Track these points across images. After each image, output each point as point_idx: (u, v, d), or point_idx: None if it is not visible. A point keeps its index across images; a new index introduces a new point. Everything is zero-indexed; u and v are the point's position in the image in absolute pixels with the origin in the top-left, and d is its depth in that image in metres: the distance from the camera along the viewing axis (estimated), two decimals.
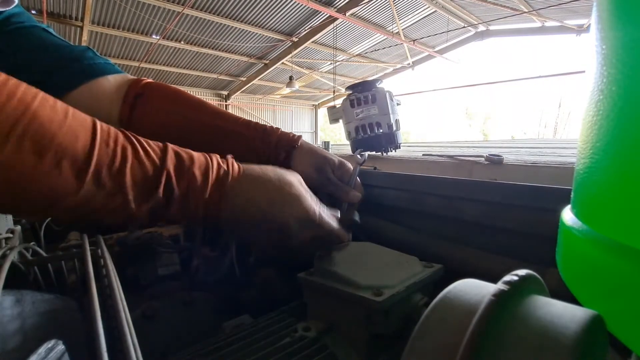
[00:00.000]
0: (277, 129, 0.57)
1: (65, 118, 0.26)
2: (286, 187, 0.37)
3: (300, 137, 0.58)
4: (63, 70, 0.50)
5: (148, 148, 0.31)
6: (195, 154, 0.34)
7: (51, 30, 0.53)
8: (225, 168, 0.35)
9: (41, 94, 0.26)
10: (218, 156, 0.36)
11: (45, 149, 0.25)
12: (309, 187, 0.41)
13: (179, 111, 0.56)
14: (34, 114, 0.25)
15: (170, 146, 0.33)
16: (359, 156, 0.54)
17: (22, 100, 0.24)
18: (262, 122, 0.59)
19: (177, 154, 0.33)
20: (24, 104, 0.24)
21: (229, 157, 0.37)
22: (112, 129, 0.30)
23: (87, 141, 0.27)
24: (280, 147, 0.55)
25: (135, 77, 0.58)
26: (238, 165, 0.37)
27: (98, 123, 0.29)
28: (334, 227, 0.40)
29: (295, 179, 0.39)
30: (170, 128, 0.55)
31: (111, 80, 0.54)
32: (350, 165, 0.55)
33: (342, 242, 0.42)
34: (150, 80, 0.58)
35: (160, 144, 0.33)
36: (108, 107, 0.53)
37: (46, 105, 0.26)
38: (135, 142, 0.30)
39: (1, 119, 0.23)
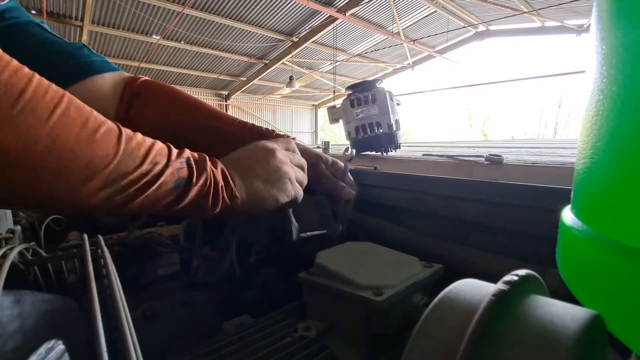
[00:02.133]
0: (273, 130, 0.58)
1: (94, 132, 0.29)
2: (269, 143, 0.45)
3: (294, 138, 0.59)
4: (58, 67, 0.49)
5: (177, 165, 0.35)
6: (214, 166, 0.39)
7: (46, 26, 0.52)
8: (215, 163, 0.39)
9: (67, 93, 0.29)
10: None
11: (87, 118, 0.28)
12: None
13: (175, 111, 0.56)
14: (70, 98, 0.28)
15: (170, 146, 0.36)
16: (346, 153, 0.57)
17: (57, 90, 0.27)
18: (262, 122, 0.59)
19: (197, 162, 0.37)
20: (59, 92, 0.27)
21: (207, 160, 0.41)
22: (133, 139, 0.33)
23: (111, 159, 0.30)
24: None
25: (131, 75, 0.58)
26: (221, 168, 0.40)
27: (122, 143, 0.31)
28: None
29: (268, 144, 0.45)
30: (166, 127, 0.55)
31: (107, 78, 0.54)
32: (342, 163, 0.56)
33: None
34: (146, 78, 0.58)
35: (184, 161, 0.36)
36: (104, 106, 0.53)
37: (73, 98, 0.29)
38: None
39: (51, 91, 0.26)
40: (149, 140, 0.33)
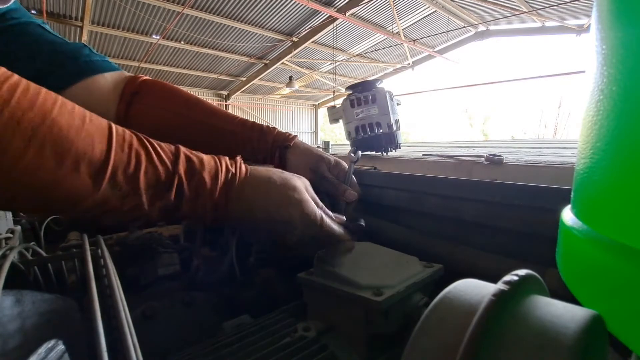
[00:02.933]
0: (274, 128, 0.58)
1: (83, 124, 0.28)
2: (290, 191, 0.38)
3: (295, 136, 0.58)
4: (59, 67, 0.50)
5: (161, 152, 0.32)
6: (205, 158, 0.35)
7: (47, 26, 0.53)
8: (233, 171, 0.36)
9: (60, 100, 0.27)
10: (227, 159, 0.37)
11: (65, 155, 0.26)
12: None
13: (176, 109, 0.56)
14: (53, 121, 0.26)
15: (182, 149, 0.34)
16: (352, 154, 0.55)
17: (42, 107, 0.26)
18: (262, 122, 0.59)
19: (188, 158, 0.34)
20: (43, 111, 0.25)
21: (238, 159, 0.38)
22: (127, 133, 0.31)
23: (103, 146, 0.28)
24: (276, 147, 0.55)
25: (132, 75, 0.58)
26: (245, 167, 0.38)
27: (114, 127, 0.30)
28: (335, 230, 0.40)
29: (300, 184, 0.40)
30: (166, 126, 0.55)
31: (108, 78, 0.54)
32: (345, 164, 0.55)
33: (346, 249, 0.42)
34: (147, 77, 0.58)
35: (172, 147, 0.34)
36: (105, 105, 0.53)
37: (65, 111, 0.27)
38: (149, 146, 0.32)
39: (23, 126, 0.24)
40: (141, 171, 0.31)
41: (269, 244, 0.51)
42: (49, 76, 0.49)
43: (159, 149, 0.32)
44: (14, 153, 0.24)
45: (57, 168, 0.26)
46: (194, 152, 0.35)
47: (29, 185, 0.25)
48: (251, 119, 0.60)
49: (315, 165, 0.54)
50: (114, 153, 0.29)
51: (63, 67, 0.50)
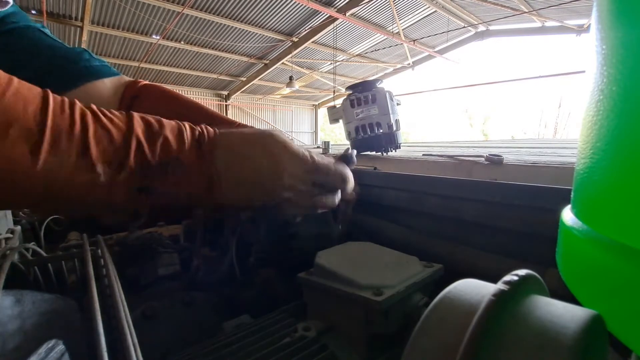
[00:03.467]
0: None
1: (9, 84, 0.23)
2: (268, 137, 0.34)
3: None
4: (59, 72, 0.50)
5: (110, 114, 0.28)
6: (164, 120, 0.31)
7: (47, 30, 0.53)
8: (200, 130, 0.33)
9: None
10: (189, 123, 0.33)
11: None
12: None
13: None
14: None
15: (136, 114, 0.30)
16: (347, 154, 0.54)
17: None
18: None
19: (143, 119, 0.29)
20: None
21: (201, 124, 0.34)
22: (67, 98, 0.26)
23: (37, 107, 0.23)
24: None
25: (131, 79, 0.58)
26: (213, 128, 0.34)
27: (49, 91, 0.25)
28: (332, 164, 0.36)
29: (276, 132, 0.36)
30: None
31: (107, 83, 0.55)
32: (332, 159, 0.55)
33: (348, 182, 0.37)
34: (146, 82, 0.59)
35: (124, 112, 0.29)
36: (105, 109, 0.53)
37: None
38: (95, 109, 0.27)
39: None
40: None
41: (267, 210, 0.45)
42: (49, 80, 0.49)
43: (107, 112, 0.28)
44: None
45: None
46: (151, 115, 0.31)
47: None
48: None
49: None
50: (51, 114, 0.24)
51: (62, 72, 0.50)
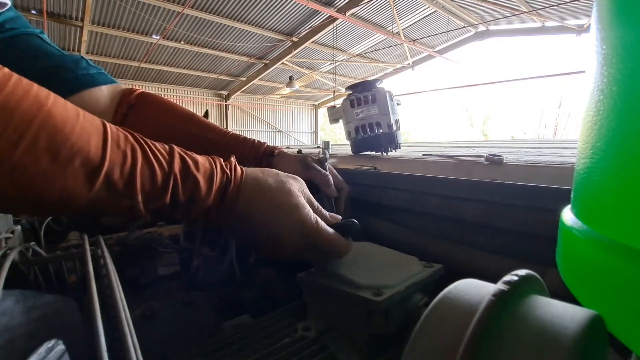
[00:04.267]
0: (264, 143, 0.61)
1: (77, 118, 0.26)
2: (285, 196, 0.37)
3: (282, 148, 0.62)
4: (56, 79, 0.50)
5: (156, 150, 0.30)
6: (200, 159, 0.34)
7: (45, 37, 0.53)
8: (229, 173, 0.35)
9: (53, 94, 0.25)
10: (221, 160, 0.36)
11: (60, 149, 0.24)
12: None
13: (170, 122, 0.59)
14: (48, 112, 0.24)
15: (176, 149, 0.33)
16: (320, 156, 0.59)
17: (37, 98, 0.23)
18: (262, 122, 0.61)
19: (182, 159, 0.32)
20: (38, 102, 0.23)
21: (232, 159, 0.37)
22: (121, 130, 0.29)
23: (99, 142, 0.26)
24: (264, 155, 0.59)
25: (128, 88, 0.59)
26: (241, 169, 0.37)
27: (107, 124, 0.29)
28: (333, 237, 0.39)
29: (295, 187, 0.38)
30: (161, 138, 0.56)
31: (104, 91, 0.55)
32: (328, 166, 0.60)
33: (343, 254, 0.40)
34: (142, 90, 0.60)
35: (167, 146, 0.32)
36: (101, 117, 0.54)
37: (59, 104, 0.25)
38: (144, 144, 0.30)
39: (17, 115, 0.22)
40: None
41: (263, 253, 0.49)
42: (47, 88, 0.49)
43: (153, 147, 0.31)
44: (5, 146, 0.21)
45: (50, 164, 0.23)
46: (187, 152, 0.34)
47: (19, 183, 0.23)
48: (251, 119, 0.62)
49: (301, 160, 0.57)
50: (109, 150, 0.27)
51: (60, 80, 0.50)
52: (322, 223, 0.38)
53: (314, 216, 0.38)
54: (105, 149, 0.26)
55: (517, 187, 0.41)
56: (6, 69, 0.23)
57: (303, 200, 0.38)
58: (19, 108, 0.22)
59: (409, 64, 9.78)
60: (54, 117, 0.24)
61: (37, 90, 0.24)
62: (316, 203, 0.41)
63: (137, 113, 0.56)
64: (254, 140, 0.60)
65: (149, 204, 0.30)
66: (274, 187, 0.37)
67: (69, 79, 0.51)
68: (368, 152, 2.00)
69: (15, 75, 0.23)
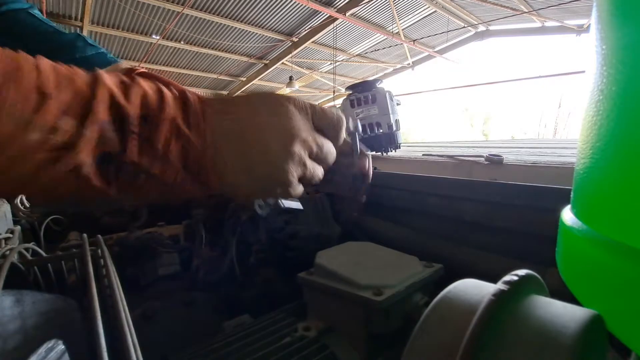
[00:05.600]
0: None
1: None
2: (266, 95, 0.29)
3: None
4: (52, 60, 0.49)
5: (71, 68, 0.24)
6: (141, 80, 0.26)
7: (36, 12, 0.50)
8: (182, 90, 0.27)
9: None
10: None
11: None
12: None
13: None
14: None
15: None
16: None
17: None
18: None
19: (112, 74, 0.25)
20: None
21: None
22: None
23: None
24: None
25: (129, 67, 0.57)
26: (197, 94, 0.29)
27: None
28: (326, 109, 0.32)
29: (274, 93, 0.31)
30: None
31: None
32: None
33: (342, 122, 0.34)
34: (143, 69, 0.58)
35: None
36: None
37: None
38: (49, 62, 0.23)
39: None
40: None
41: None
42: None
43: (65, 65, 0.24)
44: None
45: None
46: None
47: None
48: None
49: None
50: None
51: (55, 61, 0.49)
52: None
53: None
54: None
55: (517, 187, 0.41)
56: None
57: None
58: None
59: (409, 64, 9.77)
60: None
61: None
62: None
63: None
64: None
65: (76, 130, 0.21)
66: (250, 93, 0.30)
67: (65, 63, 0.50)
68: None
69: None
